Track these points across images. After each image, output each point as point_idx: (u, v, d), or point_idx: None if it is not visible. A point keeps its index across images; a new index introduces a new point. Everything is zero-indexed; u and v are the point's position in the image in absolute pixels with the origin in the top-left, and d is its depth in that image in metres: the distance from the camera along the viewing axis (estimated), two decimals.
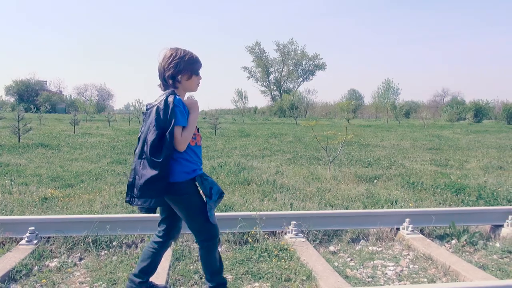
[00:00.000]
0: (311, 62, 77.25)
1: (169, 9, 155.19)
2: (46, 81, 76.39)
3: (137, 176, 2.48)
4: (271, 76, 79.17)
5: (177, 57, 2.58)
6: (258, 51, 77.25)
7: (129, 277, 2.86)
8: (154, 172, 2.40)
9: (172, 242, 2.98)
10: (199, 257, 2.79)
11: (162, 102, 2.47)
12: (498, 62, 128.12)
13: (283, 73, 78.45)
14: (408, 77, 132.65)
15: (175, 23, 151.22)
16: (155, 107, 2.48)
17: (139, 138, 2.59)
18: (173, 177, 2.53)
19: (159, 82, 2.69)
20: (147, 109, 2.58)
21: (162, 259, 3.48)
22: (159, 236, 2.83)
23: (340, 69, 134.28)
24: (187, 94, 2.75)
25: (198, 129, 2.67)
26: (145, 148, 2.45)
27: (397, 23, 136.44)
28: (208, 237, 2.69)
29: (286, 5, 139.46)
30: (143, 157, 2.46)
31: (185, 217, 2.67)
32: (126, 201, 2.58)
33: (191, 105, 2.58)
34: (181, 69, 2.57)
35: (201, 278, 3.33)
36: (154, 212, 2.62)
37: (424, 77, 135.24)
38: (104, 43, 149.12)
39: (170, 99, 2.47)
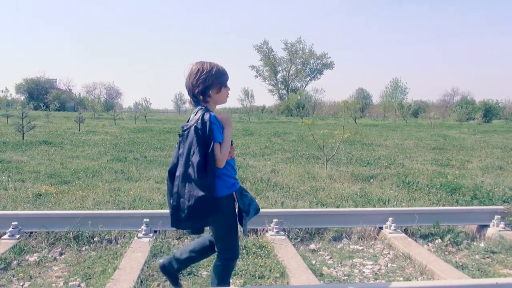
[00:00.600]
0: (319, 61, 77.00)
1: (175, 9, 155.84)
2: (56, 80, 77.30)
3: (182, 199, 2.41)
4: (279, 75, 79.07)
5: (204, 71, 2.53)
6: (266, 50, 77.21)
7: (170, 258, 2.85)
8: (202, 193, 2.36)
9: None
10: (214, 271, 2.76)
11: (199, 121, 2.43)
12: (508, 62, 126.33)
13: (291, 72, 78.31)
14: (418, 76, 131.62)
15: (182, 22, 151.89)
16: (192, 127, 2.43)
17: (177, 159, 2.51)
18: (215, 192, 2.50)
19: (188, 97, 2.65)
20: (183, 131, 2.51)
21: (139, 254, 3.55)
22: (210, 240, 2.83)
23: (349, 68, 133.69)
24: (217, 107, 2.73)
25: (231, 142, 2.63)
26: (190, 170, 2.38)
27: (406, 21, 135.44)
28: (232, 256, 2.69)
29: (293, 4, 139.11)
30: (189, 179, 2.40)
31: (218, 232, 2.65)
32: (172, 226, 2.51)
33: (224, 120, 2.56)
34: (210, 83, 2.53)
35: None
36: (202, 232, 2.58)
37: (434, 76, 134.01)
38: (112, 42, 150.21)
39: (206, 117, 2.44)
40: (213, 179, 2.42)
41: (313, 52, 76.16)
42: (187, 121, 2.54)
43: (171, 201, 2.48)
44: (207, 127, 2.40)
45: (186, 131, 2.47)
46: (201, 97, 2.54)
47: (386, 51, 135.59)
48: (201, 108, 2.52)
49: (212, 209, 2.44)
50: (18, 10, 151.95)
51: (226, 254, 2.68)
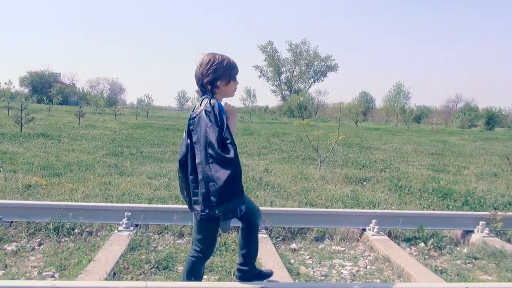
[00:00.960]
0: (323, 63, 76.74)
1: (180, 7, 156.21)
2: (60, 74, 77.49)
3: (211, 183, 2.35)
4: (283, 76, 78.80)
5: (215, 62, 2.56)
6: (271, 50, 77.02)
7: (238, 269, 2.91)
8: (228, 172, 2.32)
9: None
10: (186, 264, 2.77)
11: (208, 104, 2.46)
12: None
13: (295, 73, 78.14)
14: (423, 81, 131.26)
15: (187, 21, 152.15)
16: (203, 111, 2.45)
17: (186, 147, 2.52)
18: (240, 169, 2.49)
19: (196, 88, 2.67)
20: (192, 118, 2.51)
21: (117, 247, 3.54)
22: (242, 227, 2.86)
23: (352, 71, 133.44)
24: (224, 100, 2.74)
25: None
26: (210, 151, 2.36)
27: (411, 24, 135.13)
28: (205, 250, 2.69)
29: (297, 5, 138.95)
30: (211, 161, 2.36)
31: (201, 226, 2.64)
32: (206, 214, 2.42)
33: (229, 111, 2.60)
34: (219, 74, 2.56)
35: (151, 268, 3.35)
36: (237, 215, 2.45)
37: (439, 81, 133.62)
38: (117, 39, 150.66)
39: (213, 101, 2.49)
40: (237, 155, 2.40)
41: (317, 54, 76.02)
42: (193, 111, 2.55)
43: (200, 189, 2.41)
44: (216, 109, 2.43)
45: (197, 117, 2.47)
46: (209, 87, 2.57)
47: (391, 56, 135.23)
48: (207, 97, 2.55)
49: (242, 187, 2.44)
50: (22, 3, 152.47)
51: (200, 247, 2.68)
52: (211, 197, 2.36)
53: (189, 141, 2.51)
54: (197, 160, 2.42)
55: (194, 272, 2.75)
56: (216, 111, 2.43)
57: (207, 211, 2.40)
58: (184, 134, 2.56)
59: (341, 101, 9.01)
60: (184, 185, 2.63)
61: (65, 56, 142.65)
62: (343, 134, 8.88)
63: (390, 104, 54.28)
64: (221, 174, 2.32)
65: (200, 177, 2.41)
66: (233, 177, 2.34)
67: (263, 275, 2.98)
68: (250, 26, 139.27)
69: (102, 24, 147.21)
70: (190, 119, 2.53)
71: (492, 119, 45.26)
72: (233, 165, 2.36)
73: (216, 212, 2.37)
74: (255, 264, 2.97)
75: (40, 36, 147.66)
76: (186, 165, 2.53)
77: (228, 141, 2.38)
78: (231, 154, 2.36)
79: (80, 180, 6.76)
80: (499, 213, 4.62)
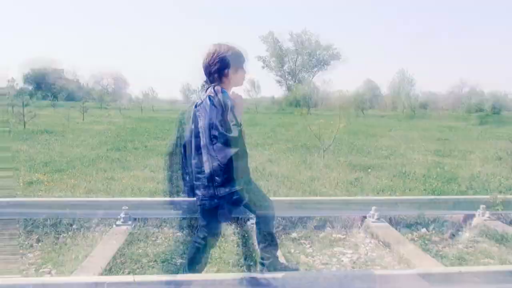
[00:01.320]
0: (325, 52, 76.04)
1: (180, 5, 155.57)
2: (63, 70, 77.27)
3: (214, 163, 2.35)
4: (286, 66, 78.25)
5: (222, 52, 2.61)
6: (272, 40, 76.39)
7: (261, 262, 2.94)
8: (235, 150, 2.33)
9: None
10: (189, 251, 2.78)
11: (212, 90, 2.50)
12: None
13: (298, 63, 77.48)
14: (428, 67, 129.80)
15: (186, 17, 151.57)
16: (207, 98, 2.48)
17: (194, 135, 2.54)
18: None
19: (202, 80, 2.72)
20: (198, 105, 2.55)
21: (114, 241, 3.53)
22: (256, 221, 2.90)
23: (357, 59, 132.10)
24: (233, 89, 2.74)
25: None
26: (214, 132, 2.37)
27: (418, 10, 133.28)
28: (209, 238, 2.69)
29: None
30: (214, 142, 2.36)
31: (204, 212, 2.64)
32: (208, 196, 2.42)
33: (236, 99, 2.59)
34: (227, 63, 2.61)
35: (149, 262, 3.34)
36: (244, 199, 2.40)
37: (444, 67, 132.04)
38: (121, 33, 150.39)
39: (217, 87, 2.52)
40: (240, 135, 2.40)
41: (319, 43, 75.24)
42: (199, 98, 2.59)
43: (206, 170, 2.40)
44: (219, 94, 2.46)
45: (202, 103, 2.51)
46: (216, 75, 2.61)
47: (396, 42, 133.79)
48: (211, 85, 2.57)
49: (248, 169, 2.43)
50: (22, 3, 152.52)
51: (207, 235, 2.67)
52: (216, 177, 2.35)
53: (193, 127, 2.56)
54: (202, 143, 2.44)
55: (196, 260, 2.75)
56: (220, 96, 2.45)
57: (211, 191, 2.39)
58: (190, 121, 2.60)
59: (340, 89, 8.91)
60: (186, 170, 2.67)
61: (67, 53, 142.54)
62: (343, 123, 8.81)
63: (395, 91, 53.86)
64: (225, 153, 2.33)
65: (204, 158, 2.41)
66: (237, 156, 2.34)
67: (287, 270, 2.94)
68: (251, 17, 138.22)
69: (104, 18, 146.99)
70: (195, 106, 2.57)
71: (498, 103, 44.91)
72: (238, 145, 2.36)
73: (221, 192, 2.35)
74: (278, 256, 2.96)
75: (41, 33, 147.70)
76: (190, 150, 2.58)
77: (232, 123, 2.39)
78: (235, 134, 2.36)
79: (82, 175, 6.75)
80: (498, 196, 4.56)
